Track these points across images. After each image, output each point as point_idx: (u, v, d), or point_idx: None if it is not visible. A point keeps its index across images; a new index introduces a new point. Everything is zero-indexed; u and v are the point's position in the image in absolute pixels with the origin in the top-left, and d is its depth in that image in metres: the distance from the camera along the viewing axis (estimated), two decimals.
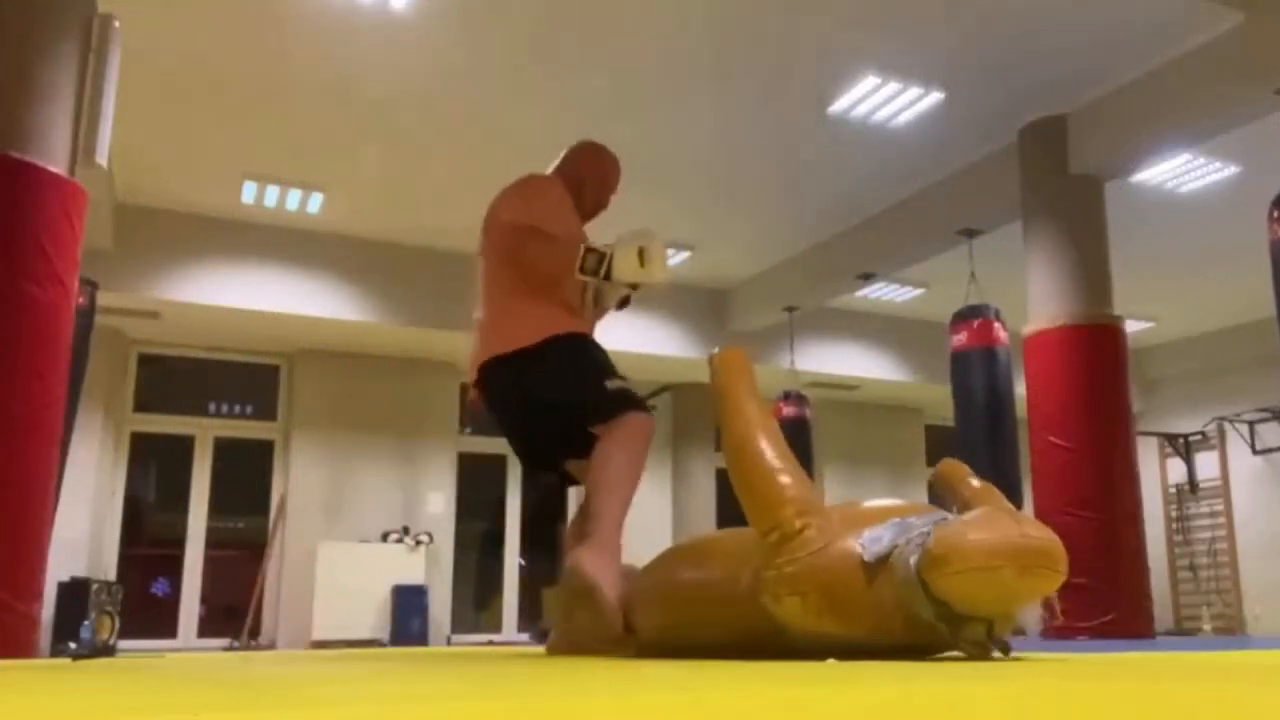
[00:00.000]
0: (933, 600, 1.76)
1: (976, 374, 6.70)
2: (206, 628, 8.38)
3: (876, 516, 1.95)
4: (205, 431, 8.73)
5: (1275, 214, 5.01)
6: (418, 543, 8.68)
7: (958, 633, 1.79)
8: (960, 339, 6.82)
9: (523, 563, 9.74)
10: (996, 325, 6.75)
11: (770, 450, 2.09)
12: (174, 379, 8.80)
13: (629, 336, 8.96)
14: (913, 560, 1.77)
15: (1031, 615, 6.96)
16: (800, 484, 2.04)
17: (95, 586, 5.99)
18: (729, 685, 1.16)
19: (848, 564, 1.85)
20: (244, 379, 8.98)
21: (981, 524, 1.76)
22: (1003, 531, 1.73)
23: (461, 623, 9.23)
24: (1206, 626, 10.26)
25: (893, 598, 1.79)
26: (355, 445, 8.83)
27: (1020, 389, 6.39)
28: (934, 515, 1.90)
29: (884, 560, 1.82)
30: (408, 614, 8.31)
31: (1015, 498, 6.41)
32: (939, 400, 7.25)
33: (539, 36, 5.51)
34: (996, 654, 1.83)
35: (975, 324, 6.76)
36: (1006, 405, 6.65)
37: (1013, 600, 1.77)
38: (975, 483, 2.45)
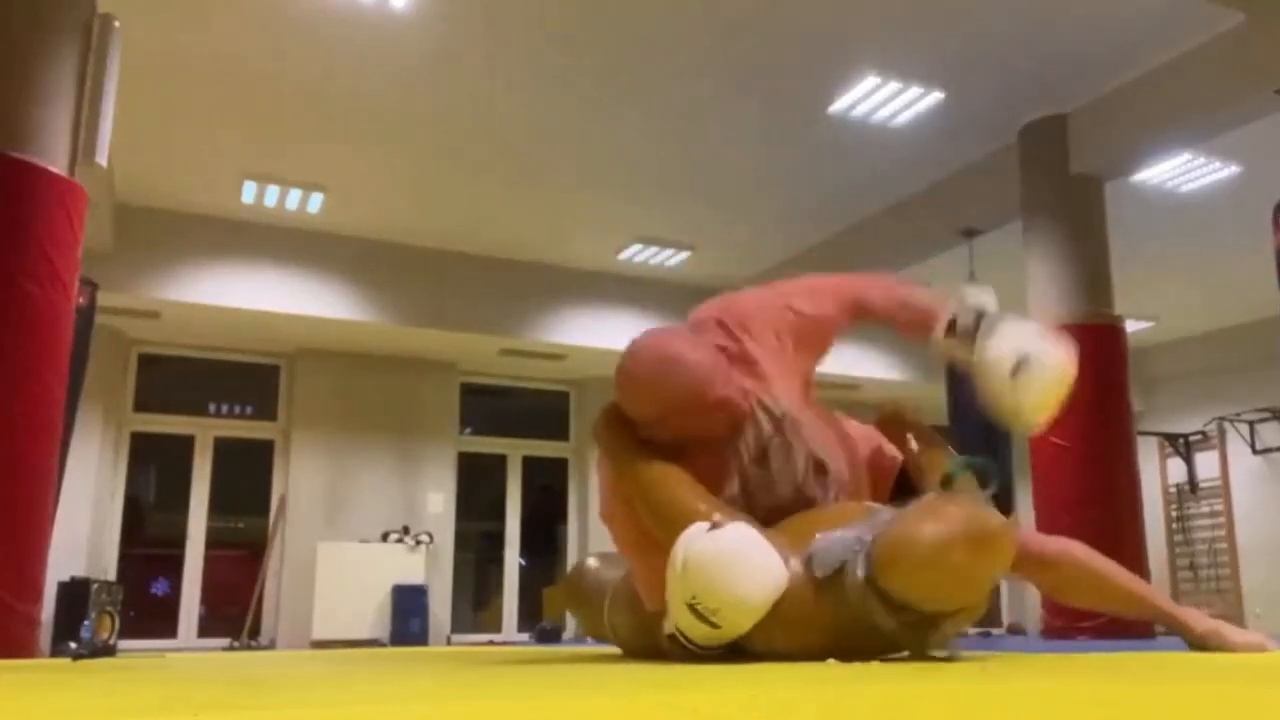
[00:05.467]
0: (893, 607, 1.72)
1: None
2: (206, 628, 8.38)
3: (824, 525, 1.90)
4: (205, 431, 8.73)
5: (1279, 220, 5.01)
6: (418, 543, 8.68)
7: (924, 638, 1.75)
8: None
9: (522, 562, 9.74)
10: None
11: (687, 494, 1.98)
12: (174, 379, 8.80)
13: (629, 336, 8.95)
14: (860, 571, 1.73)
15: (1031, 615, 6.95)
16: (730, 513, 1.95)
17: (95, 586, 5.97)
18: (727, 685, 1.16)
19: (795, 582, 1.81)
20: (244, 379, 8.97)
21: (922, 514, 1.72)
22: (945, 516, 1.68)
23: (461, 623, 9.23)
24: None
25: (848, 610, 1.76)
26: (355, 445, 8.83)
27: None
28: (880, 516, 1.85)
29: (836, 571, 1.78)
30: (408, 614, 8.30)
31: (1009, 498, 6.41)
32: (939, 400, 7.25)
33: (539, 37, 5.51)
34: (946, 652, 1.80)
35: None
36: None
37: (972, 584, 1.72)
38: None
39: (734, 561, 1.77)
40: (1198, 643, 2.16)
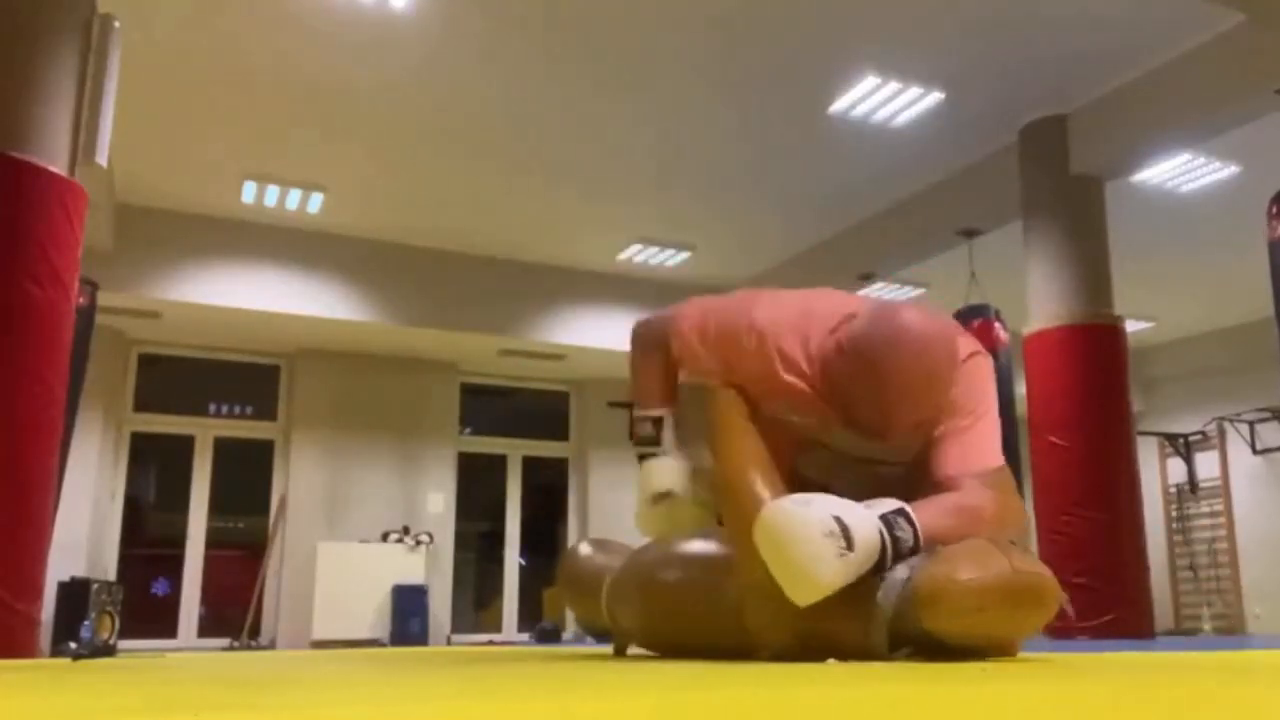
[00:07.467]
0: (918, 636, 1.72)
1: None
2: (206, 628, 8.38)
3: None
4: (205, 431, 8.73)
5: (1274, 210, 5.01)
6: (418, 543, 8.68)
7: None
8: None
9: (522, 562, 9.73)
10: (996, 326, 6.75)
11: (760, 481, 1.96)
12: (174, 379, 8.80)
13: (628, 336, 8.95)
14: (894, 595, 1.72)
15: None
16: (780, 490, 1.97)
17: (95, 586, 5.98)
18: (728, 685, 1.16)
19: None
20: (244, 379, 8.97)
21: (970, 560, 1.69)
22: (993, 568, 1.66)
23: (461, 623, 9.23)
24: (1206, 626, 10.25)
25: (872, 624, 1.75)
26: (355, 445, 8.83)
27: (1020, 389, 6.39)
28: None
29: (872, 573, 1.77)
30: (408, 614, 8.31)
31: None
32: None
33: (540, 37, 5.51)
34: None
35: (975, 324, 6.75)
36: (1005, 406, 6.65)
37: (1000, 636, 1.73)
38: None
39: (791, 541, 1.74)
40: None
